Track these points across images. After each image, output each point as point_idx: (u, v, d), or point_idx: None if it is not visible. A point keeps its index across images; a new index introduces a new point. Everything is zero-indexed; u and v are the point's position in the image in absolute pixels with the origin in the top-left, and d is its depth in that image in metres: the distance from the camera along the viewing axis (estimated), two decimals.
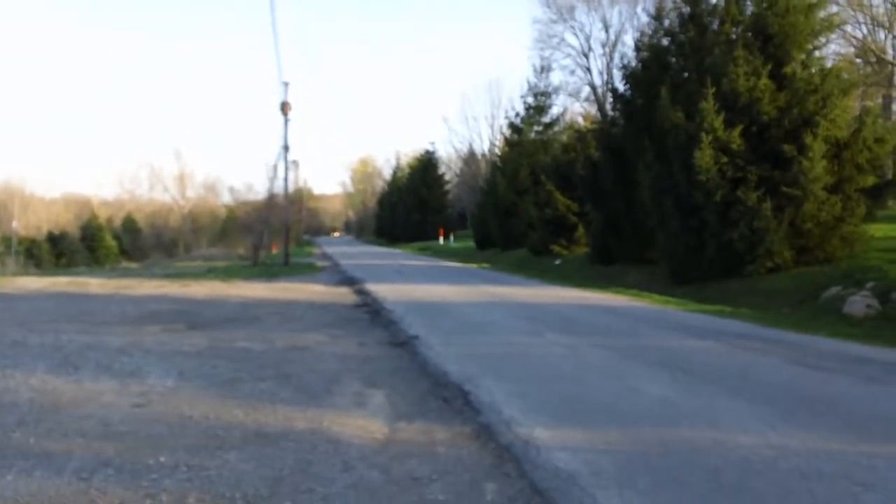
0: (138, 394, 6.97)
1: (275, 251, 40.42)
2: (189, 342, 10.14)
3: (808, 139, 16.51)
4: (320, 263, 35.93)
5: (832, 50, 25.52)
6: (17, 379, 7.56)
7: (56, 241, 66.94)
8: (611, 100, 26.98)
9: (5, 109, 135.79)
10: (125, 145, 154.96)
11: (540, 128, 41.63)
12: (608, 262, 25.21)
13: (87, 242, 67.05)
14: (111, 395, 6.89)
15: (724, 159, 17.24)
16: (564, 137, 38.91)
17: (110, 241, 68.86)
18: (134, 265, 46.87)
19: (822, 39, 19.91)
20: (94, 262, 60.91)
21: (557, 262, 30.57)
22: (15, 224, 70.48)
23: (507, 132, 44.73)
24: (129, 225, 78.67)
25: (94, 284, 21.41)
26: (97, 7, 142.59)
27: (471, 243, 48.60)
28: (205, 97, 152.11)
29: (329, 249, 58.09)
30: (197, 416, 6.15)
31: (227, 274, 26.69)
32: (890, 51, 30.17)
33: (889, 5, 28.36)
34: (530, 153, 39.72)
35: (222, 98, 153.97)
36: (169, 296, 17.63)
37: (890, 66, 29.29)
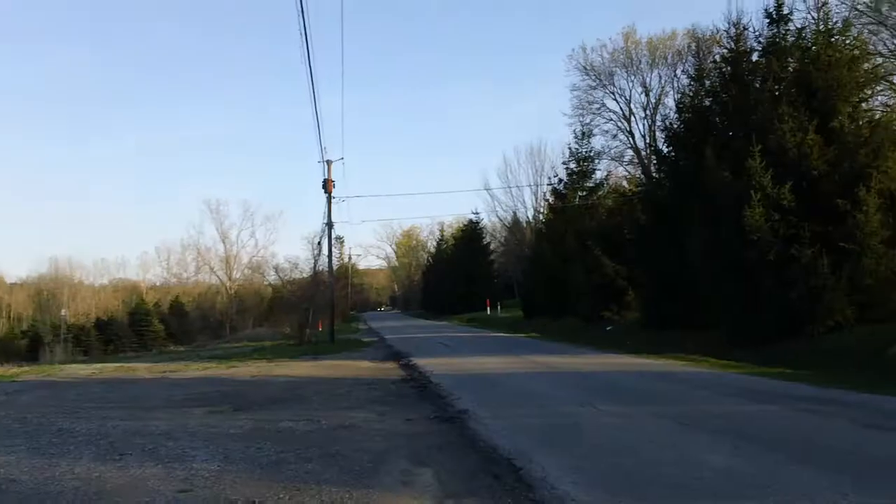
0: (183, 479, 6.86)
1: (321, 328, 40.58)
2: (234, 424, 10.05)
3: (862, 192, 16.15)
4: (367, 339, 35.91)
5: (880, 101, 25.17)
6: (62, 467, 7.51)
7: (104, 328, 68.00)
8: (655, 162, 26.92)
9: (53, 196, 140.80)
10: (172, 229, 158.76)
11: (584, 193, 41.49)
12: (661, 327, 24.67)
13: (135, 327, 68.03)
14: (156, 481, 6.79)
15: (776, 216, 16.93)
16: (609, 202, 38.72)
17: (157, 325, 69.77)
18: (181, 348, 47.43)
19: (869, 91, 19.66)
20: (141, 346, 61.75)
21: (608, 328, 30.05)
22: (64, 312, 72.22)
23: (551, 198, 44.71)
24: (176, 308, 79.76)
25: (141, 369, 21.61)
26: (140, 90, 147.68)
27: (519, 313, 48.21)
28: (250, 177, 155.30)
29: (375, 325, 58.16)
30: (241, 501, 6.00)
31: (273, 353, 26.78)
32: None
33: None
34: (575, 219, 39.50)
35: (268, 178, 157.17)
36: (215, 378, 17.66)
37: None
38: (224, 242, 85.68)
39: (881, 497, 5.26)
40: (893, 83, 27.96)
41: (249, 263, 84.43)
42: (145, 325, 68.57)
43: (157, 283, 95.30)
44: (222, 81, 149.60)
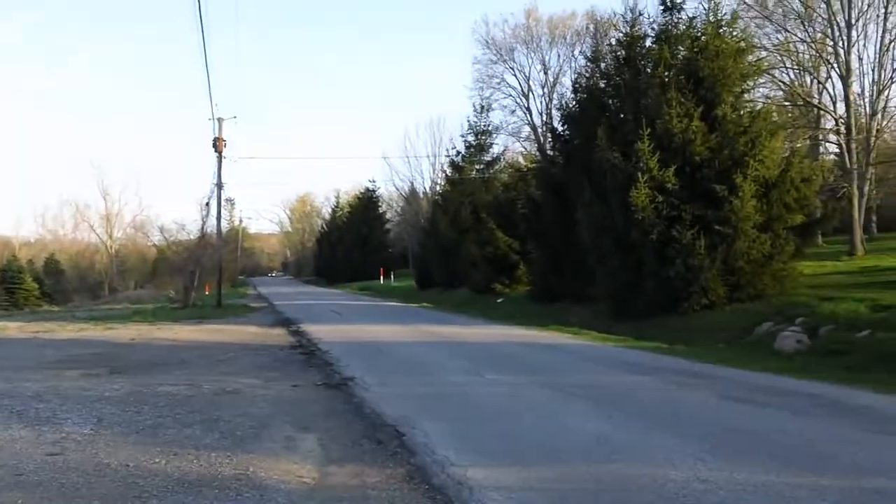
0: (53, 442, 6.62)
1: (208, 292, 39.56)
2: (111, 387, 9.73)
3: (739, 179, 16.93)
4: (255, 304, 35.39)
5: (761, 93, 26.35)
6: None
7: None
8: (550, 139, 27.39)
9: None
10: (48, 183, 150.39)
11: (481, 166, 41.86)
12: (549, 300, 25.31)
13: (6, 285, 64.37)
14: (24, 444, 6.52)
15: (661, 198, 17.54)
16: (505, 176, 39.21)
17: (30, 284, 66.09)
18: (56, 308, 45.40)
19: (751, 83, 20.55)
20: (12, 305, 58.52)
21: (499, 300, 30.61)
22: None
23: (448, 170, 44.93)
24: (52, 266, 75.95)
25: (11, 328, 20.65)
26: (19, 40, 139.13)
27: (412, 283, 48.41)
28: (134, 133, 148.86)
29: (265, 290, 57.28)
30: (115, 465, 5.85)
31: (156, 316, 26.04)
32: (816, 95, 31.37)
33: (814, 52, 29.52)
34: (471, 192, 39.88)
35: (153, 135, 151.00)
36: (91, 339, 17.04)
37: (815, 109, 30.43)
38: (105, 199, 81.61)
39: (736, 463, 5.61)
40: (774, 76, 29.39)
41: (132, 222, 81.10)
42: (17, 282, 64.88)
43: (31, 240, 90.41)
44: (103, 28, 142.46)
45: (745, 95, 19.89)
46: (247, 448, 6.47)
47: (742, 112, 18.84)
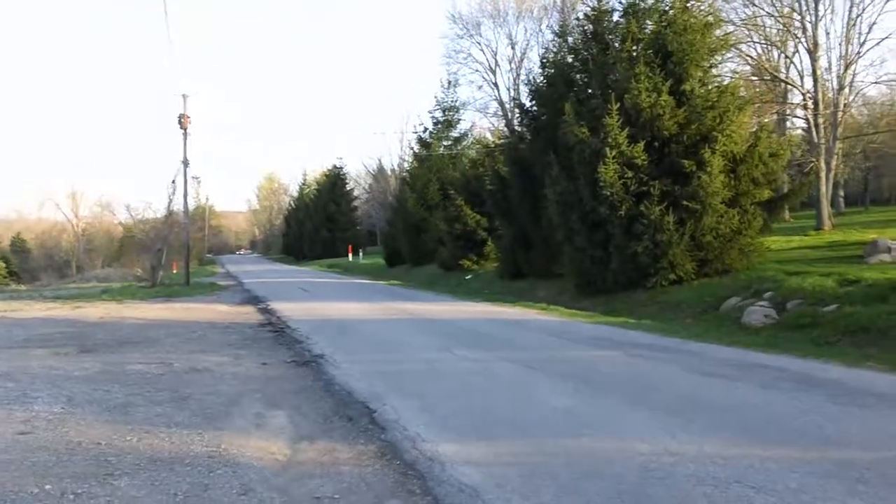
0: (23, 420, 6.59)
1: (175, 271, 39.19)
2: (80, 366, 9.66)
3: (707, 154, 17.05)
4: (223, 283, 35.16)
5: (729, 68, 26.53)
6: None
7: None
8: (518, 115, 27.35)
9: None
10: (12, 161, 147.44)
11: (449, 143, 41.77)
12: (518, 277, 25.45)
13: None
14: None
15: (629, 174, 17.62)
16: (473, 152, 39.14)
17: None
18: (23, 287, 44.75)
19: (719, 58, 20.58)
20: None
21: (468, 277, 30.70)
22: None
23: (416, 147, 44.79)
24: (18, 245, 74.91)
25: None
26: None
27: (381, 260, 48.36)
28: (100, 112, 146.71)
29: (233, 268, 56.89)
30: (86, 443, 5.84)
31: (123, 295, 25.83)
32: (783, 69, 31.70)
33: (781, 27, 29.76)
34: (439, 168, 39.80)
35: (119, 113, 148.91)
36: (59, 318, 16.87)
37: (783, 84, 30.75)
38: (69, 177, 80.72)
39: (705, 437, 5.71)
40: (742, 51, 29.61)
41: (98, 201, 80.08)
42: None
43: None
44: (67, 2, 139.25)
45: (713, 70, 19.92)
46: (218, 425, 6.48)
47: (710, 87, 18.91)
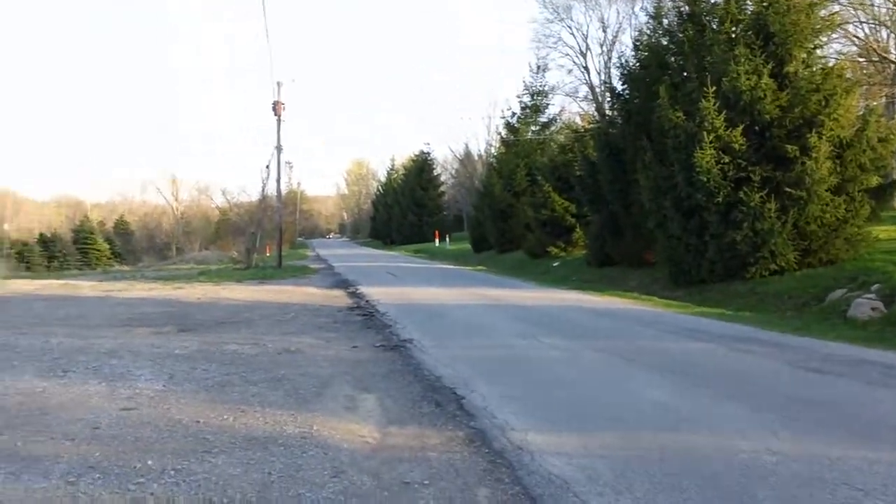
0: (127, 397, 6.84)
1: (268, 254, 40.23)
2: (179, 345, 10.00)
3: (812, 139, 16.32)
4: (314, 266, 35.81)
5: (834, 49, 25.27)
6: (5, 382, 7.45)
7: (48, 244, 66.67)
8: (609, 99, 26.85)
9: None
10: (118, 147, 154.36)
11: (537, 128, 41.39)
12: (607, 265, 25.05)
13: (79, 245, 66.81)
14: (100, 399, 6.77)
15: (726, 159, 17.07)
16: (562, 137, 38.64)
17: (102, 244, 68.56)
18: (126, 268, 46.74)
19: (824, 38, 19.67)
20: (85, 265, 60.82)
21: (555, 264, 30.37)
22: (6, 227, 70.43)
23: (504, 132, 44.50)
24: (122, 227, 78.43)
25: (86, 287, 21.31)
26: (89, 11, 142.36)
27: (467, 245, 48.41)
28: (199, 99, 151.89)
29: (323, 252, 57.91)
30: (186, 420, 6.03)
31: (220, 276, 26.60)
32: (893, 50, 29.98)
33: (891, 5, 28.19)
34: (527, 153, 39.49)
35: (217, 99, 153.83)
36: (160, 298, 17.51)
37: (892, 65, 29.11)
38: (171, 162, 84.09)
39: (810, 436, 5.47)
40: (848, 31, 28.19)
41: (196, 185, 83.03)
42: (89, 243, 67.33)
43: (102, 202, 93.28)
44: None
45: (818, 51, 19.09)
46: (310, 407, 6.57)
47: (814, 69, 18.12)
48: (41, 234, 71.63)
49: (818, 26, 18.39)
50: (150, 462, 4.92)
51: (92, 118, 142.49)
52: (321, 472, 4.80)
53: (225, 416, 6.15)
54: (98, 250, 66.97)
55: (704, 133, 17.02)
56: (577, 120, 43.52)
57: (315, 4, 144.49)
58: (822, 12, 18.82)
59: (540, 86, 41.91)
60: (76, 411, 6.30)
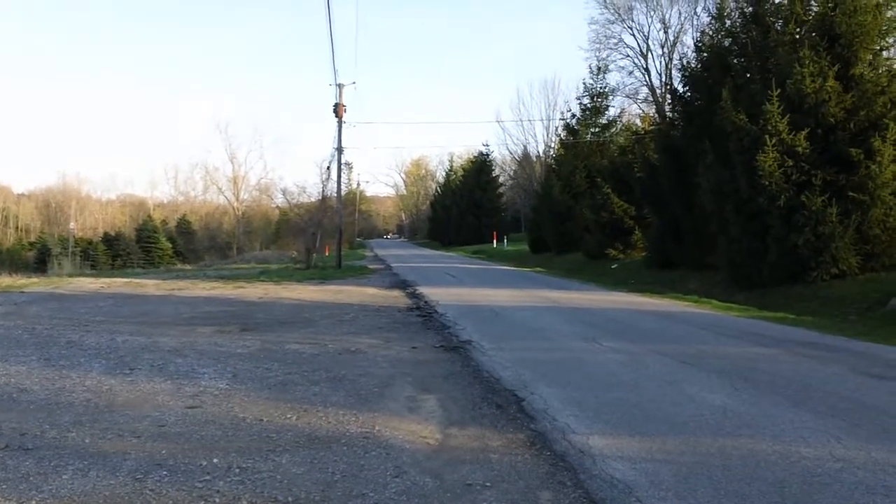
0: (192, 395, 7.02)
1: (327, 254, 40.69)
2: (242, 344, 10.23)
3: (877, 143, 15.95)
4: (373, 266, 36.09)
5: None
6: (73, 379, 7.69)
7: (111, 243, 68.43)
8: (670, 101, 26.54)
9: (64, 111, 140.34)
10: (181, 147, 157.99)
11: (596, 129, 41.04)
12: (667, 267, 24.76)
13: (142, 244, 68.44)
14: (165, 396, 6.96)
15: (790, 162, 16.76)
16: (622, 139, 38.30)
17: (165, 243, 70.12)
18: (188, 267, 47.67)
19: (891, 39, 19.19)
20: (148, 263, 62.30)
21: (614, 266, 30.13)
22: (72, 225, 72.64)
23: (563, 134, 44.23)
24: (184, 226, 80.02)
25: (149, 285, 21.79)
26: (151, 9, 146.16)
27: (525, 247, 48.31)
28: (261, 99, 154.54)
29: (381, 252, 58.34)
30: (250, 419, 6.16)
31: (280, 276, 27.00)
32: None
33: None
34: (586, 155, 39.23)
35: (278, 100, 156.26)
36: (222, 297, 17.86)
37: None
38: (232, 163, 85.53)
39: (874, 443, 5.36)
40: None
41: (257, 185, 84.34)
42: (152, 241, 68.93)
43: (164, 201, 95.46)
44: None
45: (884, 53, 18.60)
46: (371, 407, 6.66)
47: (880, 71, 17.67)
48: (105, 233, 73.71)
49: (885, 28, 17.96)
50: (215, 460, 5.02)
51: (152, 116, 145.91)
52: (383, 473, 4.86)
53: (288, 416, 6.27)
54: (161, 249, 68.55)
55: (767, 136, 16.75)
56: (638, 122, 43.05)
57: (373, 4, 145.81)
58: (890, 13, 18.33)
59: (600, 87, 41.57)
60: (142, 409, 6.48)
